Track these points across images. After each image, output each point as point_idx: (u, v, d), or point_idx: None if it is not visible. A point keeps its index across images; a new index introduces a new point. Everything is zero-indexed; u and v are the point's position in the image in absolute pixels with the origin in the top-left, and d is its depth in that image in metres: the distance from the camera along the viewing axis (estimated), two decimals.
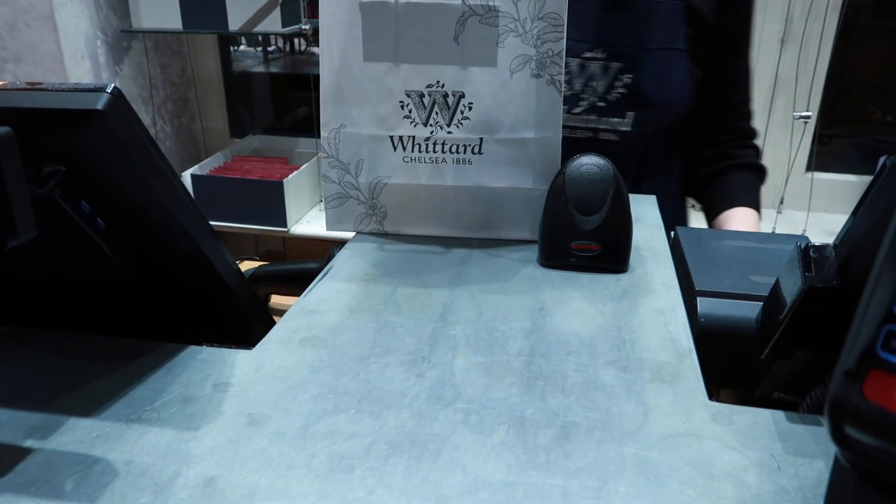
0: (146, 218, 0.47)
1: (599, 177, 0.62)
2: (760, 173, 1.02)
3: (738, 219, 0.97)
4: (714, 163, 1.02)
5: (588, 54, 0.91)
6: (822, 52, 1.58)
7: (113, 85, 0.39)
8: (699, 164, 1.03)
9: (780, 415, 0.43)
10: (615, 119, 0.93)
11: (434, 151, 0.67)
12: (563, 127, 0.94)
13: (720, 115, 1.00)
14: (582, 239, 0.62)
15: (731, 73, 0.97)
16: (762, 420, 0.43)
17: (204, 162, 1.79)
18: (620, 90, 0.92)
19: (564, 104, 0.93)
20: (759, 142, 1.04)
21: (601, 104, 0.93)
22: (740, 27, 0.95)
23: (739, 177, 1.01)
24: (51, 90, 0.39)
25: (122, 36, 1.73)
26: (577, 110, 0.93)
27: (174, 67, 1.94)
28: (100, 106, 0.38)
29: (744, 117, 1.01)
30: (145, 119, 1.79)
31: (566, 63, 0.91)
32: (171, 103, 1.94)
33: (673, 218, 1.04)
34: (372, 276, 0.62)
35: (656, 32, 0.90)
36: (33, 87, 0.40)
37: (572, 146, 0.97)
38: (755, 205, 0.99)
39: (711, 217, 1.02)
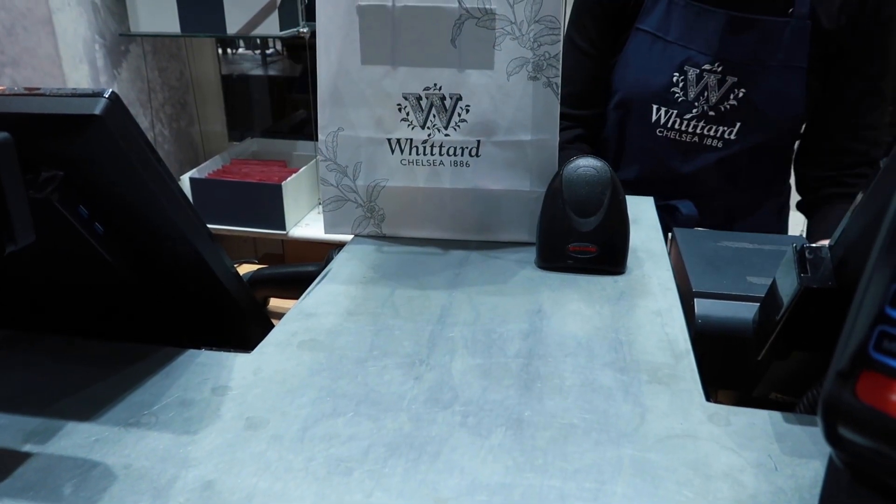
0: (144, 222, 0.48)
1: (596, 179, 0.62)
2: None
3: None
4: (826, 187, 1.00)
5: (706, 66, 0.92)
6: None
7: (111, 90, 0.40)
8: (812, 185, 1.02)
9: (776, 415, 0.43)
10: (723, 127, 0.94)
11: (432, 154, 0.67)
12: (671, 130, 0.96)
13: (835, 136, 0.98)
14: (579, 241, 0.62)
15: (853, 94, 0.95)
16: (759, 421, 0.43)
17: (203, 165, 1.79)
18: (732, 102, 0.93)
19: (675, 109, 0.94)
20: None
21: (711, 113, 0.94)
22: (868, 50, 0.92)
23: (843, 207, 0.98)
24: (49, 95, 0.39)
25: (121, 40, 1.73)
26: (688, 116, 0.95)
27: (172, 71, 1.94)
28: (97, 111, 0.39)
29: (863, 140, 0.97)
30: (143, 123, 1.79)
31: (684, 72, 0.93)
32: (170, 107, 1.94)
33: (772, 226, 1.04)
34: (370, 278, 0.63)
35: (778, 50, 0.91)
36: (31, 93, 0.40)
37: (677, 149, 0.98)
38: None
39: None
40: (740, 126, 0.94)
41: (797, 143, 1.03)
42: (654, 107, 0.96)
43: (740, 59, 0.91)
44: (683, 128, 0.96)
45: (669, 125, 0.96)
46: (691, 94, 0.94)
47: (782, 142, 0.98)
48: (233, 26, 1.63)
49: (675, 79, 0.94)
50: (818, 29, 0.90)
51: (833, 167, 0.99)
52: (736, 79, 0.91)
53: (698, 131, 0.95)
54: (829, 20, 0.90)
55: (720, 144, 0.96)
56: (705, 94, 0.93)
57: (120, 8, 1.69)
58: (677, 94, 0.94)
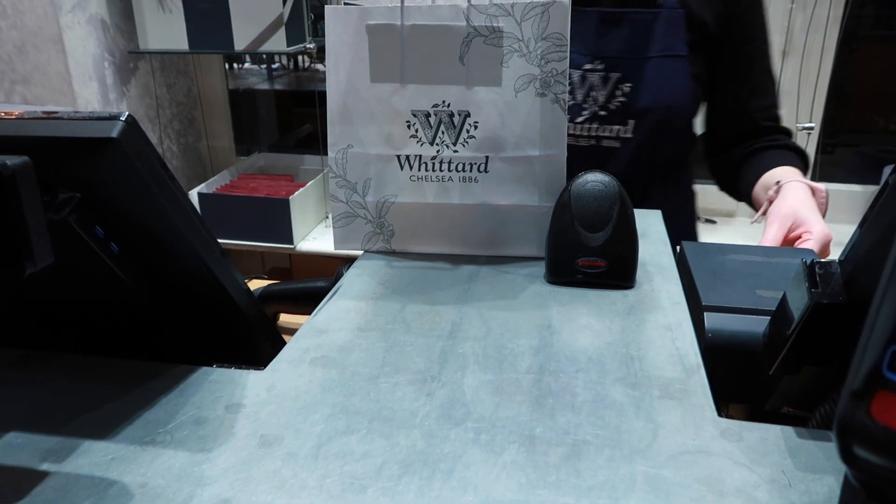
0: (158, 241, 0.48)
1: (605, 193, 0.62)
2: (800, 154, 0.98)
3: (781, 174, 0.91)
4: (747, 151, 1.01)
5: (588, 66, 0.93)
6: (823, 62, 1.59)
7: (127, 113, 0.40)
8: (729, 162, 1.02)
9: (789, 430, 0.43)
10: (617, 126, 0.95)
11: (440, 170, 0.68)
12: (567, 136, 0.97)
13: (742, 120, 1.00)
14: (588, 255, 0.62)
15: (745, 79, 0.97)
16: (772, 436, 0.43)
17: (211, 180, 1.80)
18: (621, 99, 0.94)
19: (568, 115, 0.95)
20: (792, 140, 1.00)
21: (602, 113, 0.95)
22: (745, 32, 0.95)
23: (775, 152, 0.98)
24: (66, 119, 0.40)
25: (129, 57, 1.75)
26: (580, 120, 0.96)
27: (180, 87, 1.96)
28: (114, 134, 0.39)
29: (770, 119, 1.00)
30: (152, 138, 1.81)
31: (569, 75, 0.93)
32: (178, 122, 1.96)
33: (680, 231, 1.05)
34: (380, 294, 0.63)
35: (654, 41, 0.93)
36: (49, 116, 0.41)
37: (576, 154, 0.95)
38: (798, 167, 0.93)
39: (746, 191, 0.97)
40: (633, 123, 0.95)
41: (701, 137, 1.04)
42: None
43: (618, 54, 0.93)
44: (578, 132, 0.97)
45: None
46: (579, 97, 0.95)
47: (680, 134, 0.98)
48: (240, 43, 1.65)
49: None
50: (692, 17, 0.92)
51: (748, 145, 1.00)
52: (619, 74, 0.93)
53: (594, 133, 0.97)
54: (700, 7, 0.92)
55: (618, 144, 0.97)
56: (592, 94, 0.94)
57: (129, 26, 1.71)
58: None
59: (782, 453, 0.41)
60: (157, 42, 1.69)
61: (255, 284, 0.83)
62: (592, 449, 0.42)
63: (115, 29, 1.69)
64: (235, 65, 2.20)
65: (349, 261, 0.71)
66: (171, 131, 1.93)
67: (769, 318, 0.53)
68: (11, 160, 0.35)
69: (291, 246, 1.71)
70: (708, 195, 1.75)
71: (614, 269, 0.63)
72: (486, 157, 0.67)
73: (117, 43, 1.70)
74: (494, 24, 0.62)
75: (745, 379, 0.57)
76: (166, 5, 1.65)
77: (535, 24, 0.62)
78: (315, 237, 1.77)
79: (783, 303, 0.49)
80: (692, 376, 0.49)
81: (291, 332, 0.58)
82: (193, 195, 1.70)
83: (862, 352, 0.23)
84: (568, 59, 0.62)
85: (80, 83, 1.60)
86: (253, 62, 2.27)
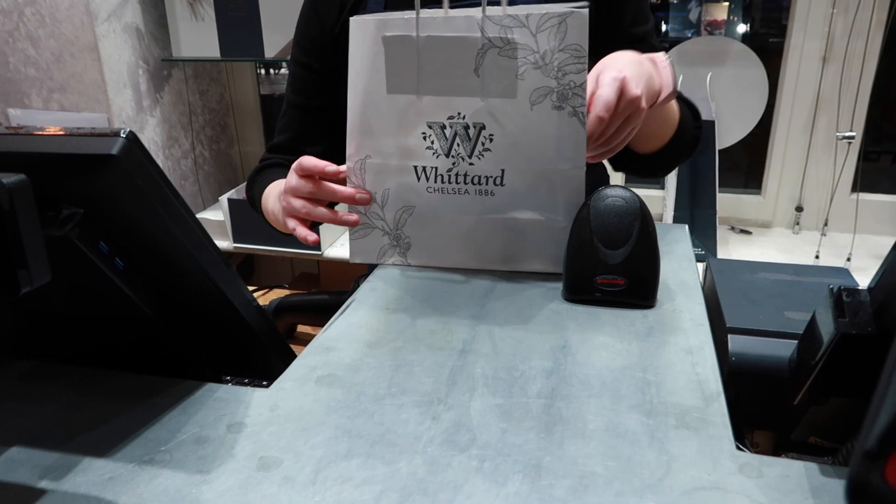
0: (163, 257, 0.48)
1: (625, 209, 0.60)
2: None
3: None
4: None
5: None
6: (866, 68, 1.53)
7: (129, 129, 0.40)
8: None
9: (812, 467, 0.41)
10: None
11: (457, 182, 0.66)
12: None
13: None
14: (607, 273, 0.60)
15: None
16: (794, 473, 0.40)
17: (241, 186, 1.81)
18: None
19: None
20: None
21: None
22: (632, 12, 0.83)
23: None
24: (68, 135, 0.40)
25: (163, 64, 1.77)
26: None
27: (213, 94, 1.98)
28: (114, 151, 0.39)
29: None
30: (185, 144, 1.83)
31: None
32: (210, 129, 1.98)
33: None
34: (393, 310, 0.62)
35: None
36: (52, 132, 0.40)
37: None
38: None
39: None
40: None
41: None
42: None
43: None
44: None
45: None
46: None
47: None
48: (271, 50, 1.66)
49: None
50: None
51: None
52: None
53: None
54: None
55: None
56: None
57: (163, 34, 1.74)
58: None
59: (804, 492, 0.39)
60: (190, 50, 1.71)
61: (275, 294, 0.82)
62: (601, 482, 0.40)
63: (149, 37, 1.72)
64: (272, 70, 2.22)
65: (368, 273, 0.70)
66: (203, 137, 1.95)
67: (796, 342, 0.50)
68: (7, 178, 0.34)
69: (319, 252, 1.71)
70: (744, 205, 1.70)
71: (634, 287, 0.60)
72: (503, 171, 0.65)
73: (151, 51, 1.73)
74: (508, 36, 0.60)
75: (771, 405, 0.54)
76: (199, 14, 1.68)
77: (551, 36, 0.60)
78: (343, 243, 1.77)
79: (811, 326, 0.46)
80: (711, 405, 0.47)
81: (307, 342, 0.57)
82: (223, 201, 1.72)
83: (876, 409, 0.20)
84: (586, 72, 0.60)
85: (115, 90, 1.63)
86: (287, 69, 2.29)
